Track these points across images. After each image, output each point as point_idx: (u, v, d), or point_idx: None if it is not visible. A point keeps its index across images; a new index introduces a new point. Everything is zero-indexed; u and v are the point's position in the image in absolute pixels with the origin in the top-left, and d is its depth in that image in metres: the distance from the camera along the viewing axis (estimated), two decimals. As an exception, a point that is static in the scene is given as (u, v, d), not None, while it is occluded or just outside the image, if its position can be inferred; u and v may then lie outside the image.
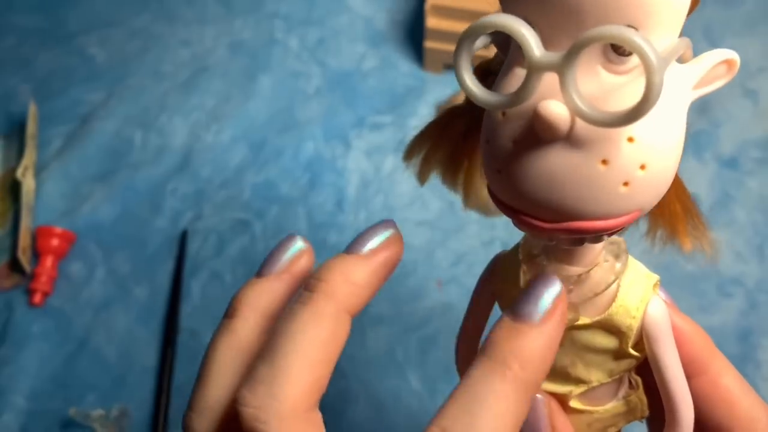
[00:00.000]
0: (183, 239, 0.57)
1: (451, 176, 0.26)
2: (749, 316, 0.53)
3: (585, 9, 0.17)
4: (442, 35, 0.61)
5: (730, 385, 0.26)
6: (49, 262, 0.55)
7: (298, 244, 0.26)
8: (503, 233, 0.56)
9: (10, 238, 0.57)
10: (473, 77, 0.18)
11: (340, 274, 0.24)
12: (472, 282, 0.52)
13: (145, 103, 0.64)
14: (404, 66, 0.65)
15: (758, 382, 0.50)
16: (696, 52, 0.67)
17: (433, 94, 0.63)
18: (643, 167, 0.18)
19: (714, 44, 0.65)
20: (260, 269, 0.26)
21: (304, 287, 0.24)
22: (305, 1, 0.69)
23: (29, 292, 0.54)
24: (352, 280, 0.24)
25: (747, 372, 0.50)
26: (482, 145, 0.20)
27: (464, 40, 0.18)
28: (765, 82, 0.63)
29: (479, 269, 0.57)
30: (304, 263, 0.26)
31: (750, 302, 0.53)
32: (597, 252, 0.22)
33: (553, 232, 0.19)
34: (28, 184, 0.57)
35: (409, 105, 0.63)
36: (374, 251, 0.24)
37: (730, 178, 0.58)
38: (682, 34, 0.18)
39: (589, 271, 0.22)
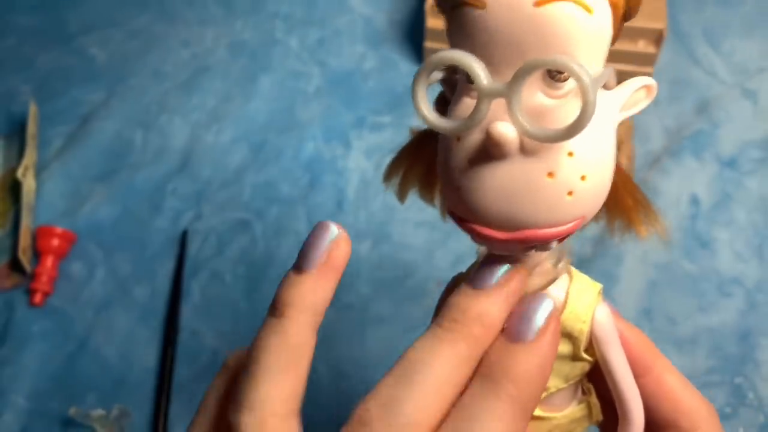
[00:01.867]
0: (183, 239, 0.57)
1: (428, 193, 0.28)
2: (748, 316, 0.53)
3: (524, 42, 0.19)
4: (442, 35, 0.61)
5: (672, 382, 0.27)
6: (49, 262, 0.55)
7: (334, 232, 0.25)
8: (503, 233, 0.57)
9: (11, 238, 0.57)
10: (429, 107, 0.20)
11: (477, 317, 0.23)
12: (472, 282, 0.52)
13: (146, 103, 0.64)
14: (404, 66, 0.65)
15: (757, 381, 0.50)
16: (696, 53, 0.67)
17: (433, 94, 0.63)
18: (583, 178, 0.20)
19: (714, 45, 0.65)
20: (299, 262, 0.25)
21: (439, 324, 0.23)
22: (305, 1, 0.69)
23: (30, 292, 0.54)
24: (488, 323, 0.23)
25: (746, 372, 0.50)
26: (440, 167, 0.22)
27: (420, 74, 0.20)
28: (764, 83, 0.63)
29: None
30: (343, 252, 0.26)
31: (749, 302, 0.53)
32: (543, 260, 0.24)
33: (509, 242, 0.21)
34: (28, 184, 0.57)
35: (409, 105, 0.62)
36: (502, 283, 0.23)
37: (730, 179, 0.58)
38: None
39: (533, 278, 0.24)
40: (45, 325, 0.54)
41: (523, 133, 0.19)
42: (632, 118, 0.60)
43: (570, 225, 0.21)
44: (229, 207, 0.59)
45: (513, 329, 0.22)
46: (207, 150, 0.61)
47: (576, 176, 0.20)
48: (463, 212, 0.21)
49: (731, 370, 0.51)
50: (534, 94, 0.20)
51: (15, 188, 0.58)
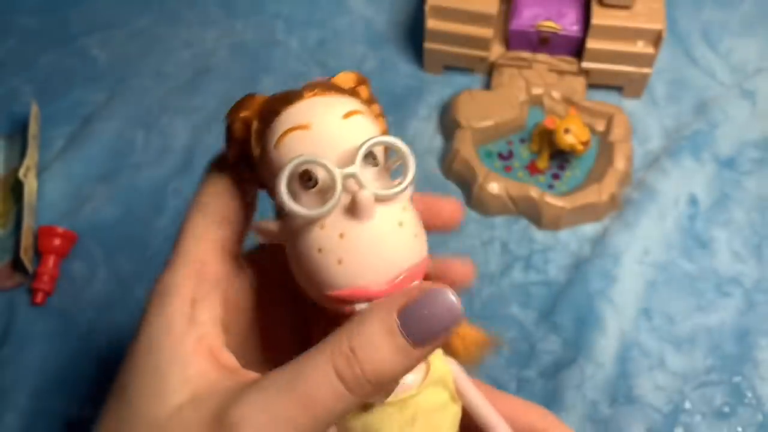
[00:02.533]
0: (184, 239, 0.57)
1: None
2: (747, 315, 0.53)
3: (339, 142, 0.25)
4: (442, 36, 0.61)
5: (511, 398, 0.32)
6: (51, 261, 0.55)
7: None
8: (503, 233, 0.57)
9: (13, 238, 0.57)
10: (299, 206, 0.25)
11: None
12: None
13: (147, 103, 0.64)
14: (404, 67, 0.65)
15: (756, 381, 0.50)
16: (695, 53, 0.68)
17: (433, 94, 0.63)
18: (417, 224, 0.26)
19: (712, 45, 0.66)
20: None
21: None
22: (306, 2, 0.70)
23: (31, 292, 0.55)
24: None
25: (745, 371, 0.51)
26: (310, 259, 0.25)
27: (282, 179, 0.25)
28: (763, 83, 0.63)
29: (479, 269, 0.58)
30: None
31: (748, 302, 0.53)
32: None
33: (393, 289, 0.25)
34: (30, 184, 0.57)
35: (409, 106, 0.63)
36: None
37: (728, 179, 0.58)
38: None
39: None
40: (47, 325, 0.54)
41: (378, 196, 0.25)
42: (631, 118, 0.60)
43: (424, 259, 0.26)
44: (230, 207, 0.59)
45: (408, 321, 0.24)
46: (208, 150, 0.61)
47: (413, 224, 0.26)
48: (347, 281, 0.25)
49: (730, 369, 0.51)
50: (366, 169, 0.26)
51: (17, 188, 0.58)
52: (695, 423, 0.49)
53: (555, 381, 0.50)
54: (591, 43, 0.60)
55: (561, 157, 0.58)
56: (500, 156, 0.59)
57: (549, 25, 0.61)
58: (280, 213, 0.26)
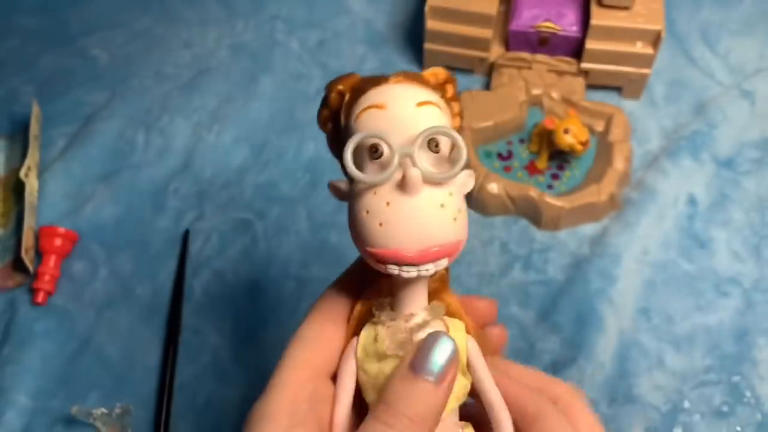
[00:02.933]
0: (185, 239, 0.57)
1: None
2: (746, 315, 0.53)
3: (410, 126, 0.29)
4: (442, 37, 0.62)
5: (518, 371, 0.34)
6: (52, 261, 0.55)
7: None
8: (502, 233, 0.57)
9: (14, 237, 0.57)
10: (359, 171, 0.29)
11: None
12: (471, 281, 0.54)
13: (148, 104, 0.64)
14: (404, 67, 0.65)
15: (754, 380, 0.50)
16: (694, 53, 0.68)
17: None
18: (459, 211, 0.29)
19: (711, 45, 0.66)
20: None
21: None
22: (306, 3, 0.70)
23: (32, 292, 0.55)
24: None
25: (743, 371, 0.51)
26: (359, 218, 0.29)
27: (349, 147, 0.28)
28: (762, 83, 0.63)
29: (479, 269, 0.58)
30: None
31: (747, 302, 0.54)
32: (424, 298, 0.32)
33: (422, 258, 0.29)
34: (31, 184, 0.57)
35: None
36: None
37: (727, 179, 0.59)
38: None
39: (422, 326, 0.31)
40: (48, 324, 0.54)
41: (426, 175, 0.28)
42: (630, 118, 0.60)
43: (459, 243, 0.30)
44: (230, 207, 0.59)
45: (417, 364, 0.28)
46: (208, 150, 0.62)
47: (455, 209, 0.29)
48: (384, 242, 0.29)
49: (728, 369, 0.51)
50: (424, 153, 0.29)
51: (18, 188, 0.58)
52: (694, 422, 0.49)
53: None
54: (590, 44, 0.60)
55: (560, 157, 0.58)
56: (500, 156, 0.59)
57: (548, 25, 0.61)
58: (349, 178, 0.30)
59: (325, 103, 0.31)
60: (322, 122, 0.32)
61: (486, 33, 0.61)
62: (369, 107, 0.29)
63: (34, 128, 0.60)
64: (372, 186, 0.29)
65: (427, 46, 0.62)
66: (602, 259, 0.55)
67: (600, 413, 0.49)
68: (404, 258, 0.29)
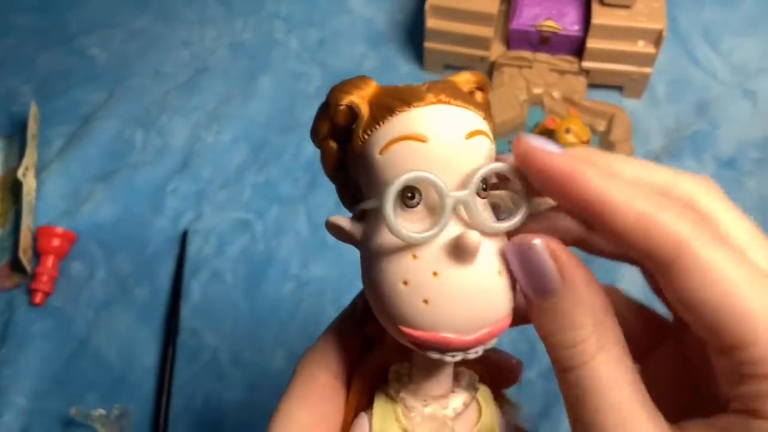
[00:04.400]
0: (183, 239, 0.57)
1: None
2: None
3: (457, 163, 0.23)
4: (442, 36, 0.61)
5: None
6: (50, 262, 0.55)
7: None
8: (503, 233, 0.57)
9: (11, 238, 0.57)
10: (401, 223, 0.22)
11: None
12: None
13: (146, 103, 0.64)
14: (404, 66, 0.65)
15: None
16: (696, 53, 0.67)
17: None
18: (514, 278, 0.23)
19: (713, 45, 0.65)
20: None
21: None
22: (306, 2, 0.69)
23: (30, 292, 0.54)
24: None
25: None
26: (392, 288, 0.22)
27: (390, 194, 0.22)
28: (764, 83, 0.63)
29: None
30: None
31: (749, 302, 0.53)
32: (451, 375, 0.26)
33: (475, 343, 0.22)
34: (29, 184, 0.57)
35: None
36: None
37: (729, 179, 0.58)
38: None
39: (450, 395, 0.26)
40: (45, 325, 0.54)
41: (486, 230, 0.22)
42: (631, 118, 0.60)
43: (509, 318, 0.23)
44: (229, 207, 0.59)
45: (533, 288, 0.22)
46: (207, 150, 0.61)
47: (509, 273, 0.23)
48: (430, 325, 0.22)
49: (731, 369, 0.51)
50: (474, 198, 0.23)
51: (15, 188, 0.58)
52: (696, 424, 0.49)
53: (555, 381, 0.50)
54: (591, 43, 0.60)
55: (561, 156, 0.58)
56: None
57: (549, 24, 0.61)
58: (358, 215, 0.24)
59: (326, 115, 0.25)
60: (319, 138, 0.25)
61: (487, 32, 0.60)
62: (404, 138, 0.22)
63: (32, 128, 0.60)
64: (411, 245, 0.22)
65: (428, 44, 0.62)
66: (603, 260, 0.54)
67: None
68: (455, 345, 0.22)
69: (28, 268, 0.55)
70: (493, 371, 0.28)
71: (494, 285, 0.22)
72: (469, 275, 0.22)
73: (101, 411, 0.49)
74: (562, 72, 0.62)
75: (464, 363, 0.26)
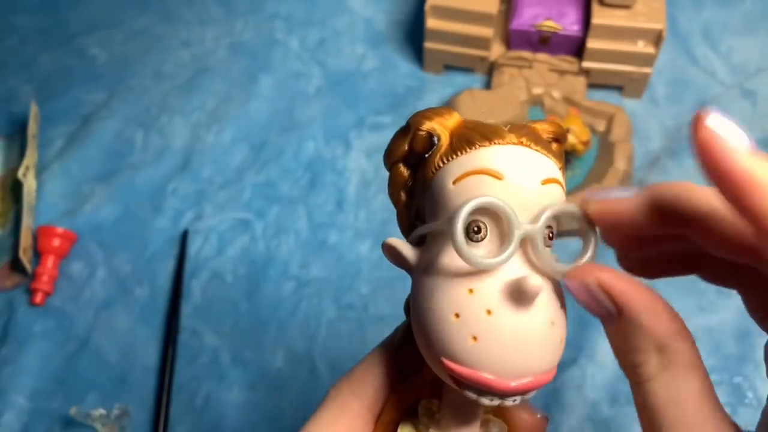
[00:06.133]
0: (184, 239, 0.57)
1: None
2: (748, 316, 0.53)
3: (530, 205, 0.23)
4: (442, 36, 0.61)
5: None
6: (50, 261, 0.55)
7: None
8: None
9: (12, 238, 0.57)
10: (469, 248, 0.22)
11: None
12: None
13: (146, 103, 0.64)
14: (404, 66, 0.65)
15: (757, 381, 0.50)
16: (696, 53, 0.67)
17: (433, 94, 0.63)
18: (564, 327, 0.23)
19: (713, 45, 0.65)
20: None
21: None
22: (306, 2, 0.69)
23: (30, 292, 0.54)
24: None
25: (746, 372, 0.51)
26: (442, 318, 0.22)
27: (460, 217, 0.21)
28: (764, 83, 0.63)
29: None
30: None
31: (749, 302, 0.53)
32: (479, 420, 0.25)
33: (516, 390, 0.22)
34: (29, 184, 0.57)
35: (409, 105, 0.63)
36: None
37: (729, 179, 0.58)
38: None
39: None
40: (46, 325, 0.54)
41: (550, 271, 0.23)
42: (631, 118, 0.60)
43: (553, 372, 0.23)
44: (229, 207, 0.59)
45: (597, 314, 0.23)
46: (207, 150, 0.61)
47: (564, 324, 0.23)
48: (474, 363, 0.22)
49: (730, 369, 0.51)
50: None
51: (16, 188, 0.58)
52: (696, 424, 0.49)
53: (556, 381, 0.50)
54: (591, 43, 0.60)
55: (561, 156, 0.58)
56: (500, 156, 0.59)
57: (549, 24, 0.61)
58: (415, 240, 0.24)
59: (404, 138, 0.24)
60: (392, 160, 0.25)
61: (487, 32, 0.60)
62: (480, 171, 0.22)
63: (32, 128, 0.60)
64: (467, 276, 0.22)
65: (428, 45, 0.62)
66: (603, 260, 0.54)
67: (601, 414, 0.49)
68: (495, 388, 0.22)
69: (29, 268, 0.55)
70: (517, 424, 0.27)
71: (545, 336, 0.22)
72: (523, 320, 0.22)
73: (101, 411, 0.49)
74: (562, 72, 0.62)
75: (494, 411, 0.26)
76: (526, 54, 0.62)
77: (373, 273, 0.55)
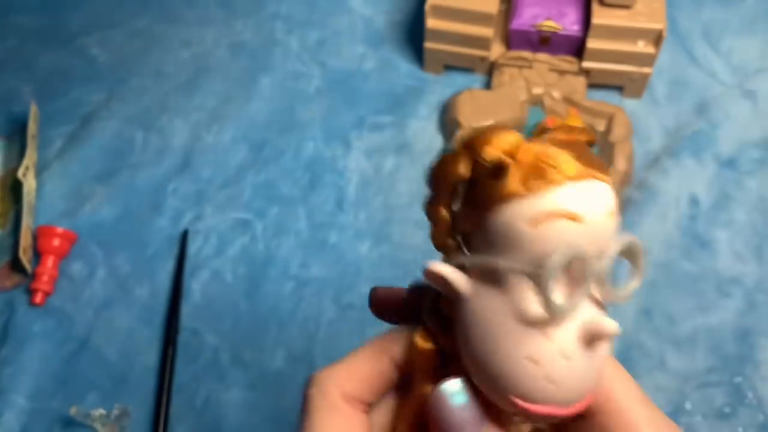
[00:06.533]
0: (184, 239, 0.57)
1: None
2: (748, 316, 0.53)
3: (599, 244, 0.22)
4: (442, 36, 0.61)
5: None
6: (50, 261, 0.55)
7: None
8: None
9: (12, 238, 0.57)
10: (559, 295, 0.22)
11: None
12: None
13: (146, 103, 0.64)
14: (404, 66, 0.65)
15: (757, 381, 0.50)
16: (696, 53, 0.67)
17: (433, 94, 0.63)
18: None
19: (713, 45, 0.65)
20: None
21: None
22: (306, 2, 0.69)
23: (30, 292, 0.54)
24: None
25: (746, 372, 0.51)
26: (516, 361, 0.22)
27: (554, 271, 0.21)
28: (764, 83, 0.63)
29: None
30: None
31: (749, 302, 0.53)
32: None
33: (569, 414, 0.23)
34: (29, 184, 0.57)
35: (409, 105, 0.63)
36: None
37: (729, 179, 0.58)
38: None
39: None
40: (46, 325, 0.54)
41: (611, 300, 0.23)
42: (631, 118, 0.60)
43: (593, 394, 0.24)
44: (229, 207, 0.59)
45: None
46: (207, 150, 0.61)
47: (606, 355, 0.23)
48: (547, 400, 0.22)
49: (730, 369, 0.51)
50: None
51: (16, 188, 0.58)
52: (696, 423, 0.49)
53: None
54: (591, 43, 0.60)
55: (561, 156, 0.58)
56: (500, 156, 0.59)
57: (549, 24, 0.61)
58: (461, 266, 0.23)
59: (463, 158, 0.23)
60: (447, 183, 0.23)
61: (487, 32, 0.60)
62: (561, 216, 0.21)
63: (32, 128, 0.60)
64: (543, 322, 0.22)
65: (428, 45, 0.62)
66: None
67: None
68: (559, 415, 0.23)
69: (28, 268, 0.55)
70: None
71: (602, 365, 0.23)
72: (594, 358, 0.22)
73: (101, 411, 0.49)
74: (562, 72, 0.62)
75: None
76: (526, 54, 0.62)
77: (373, 273, 0.55)
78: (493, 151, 0.22)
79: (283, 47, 0.67)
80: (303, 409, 0.25)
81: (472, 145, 0.22)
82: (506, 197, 0.22)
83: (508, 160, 0.22)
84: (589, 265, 0.21)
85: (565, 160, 0.22)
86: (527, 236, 0.21)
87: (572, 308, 0.22)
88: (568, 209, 0.21)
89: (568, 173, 0.21)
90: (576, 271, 0.22)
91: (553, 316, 0.21)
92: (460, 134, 0.23)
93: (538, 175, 0.21)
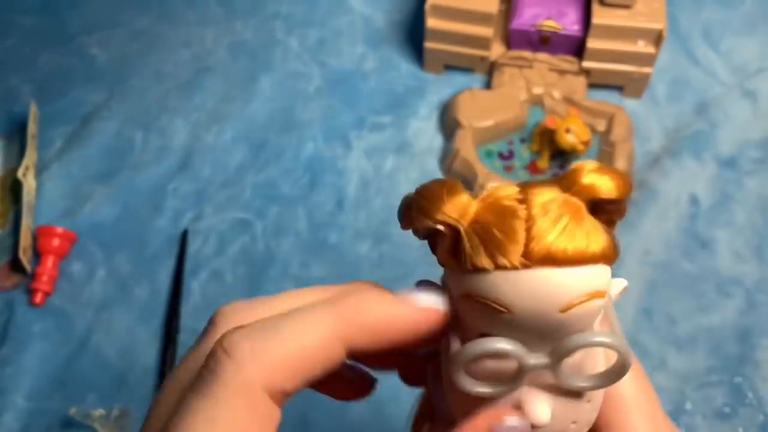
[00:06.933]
0: (183, 239, 0.57)
1: None
2: (748, 316, 0.53)
3: (550, 334, 0.20)
4: (442, 35, 0.61)
5: None
6: (50, 261, 0.55)
7: None
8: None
9: (11, 238, 0.57)
10: (473, 381, 0.21)
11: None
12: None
13: (146, 103, 0.64)
14: (404, 66, 0.65)
15: (757, 382, 0.50)
16: (696, 53, 0.67)
17: (433, 94, 0.63)
18: (590, 420, 0.22)
19: (713, 45, 0.65)
20: None
21: None
22: (306, 2, 0.69)
23: (30, 292, 0.54)
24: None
25: (746, 372, 0.51)
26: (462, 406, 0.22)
27: (460, 361, 0.20)
28: (764, 83, 0.63)
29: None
30: None
31: (749, 302, 0.53)
32: None
33: None
34: (29, 184, 0.57)
35: (409, 105, 0.63)
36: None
37: (729, 179, 0.58)
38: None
39: None
40: (45, 325, 0.54)
41: (570, 387, 0.21)
42: (631, 118, 0.60)
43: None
44: (229, 207, 0.59)
45: None
46: (207, 150, 0.61)
47: (590, 419, 0.22)
48: None
49: (731, 369, 0.51)
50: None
51: (15, 188, 0.58)
52: (696, 424, 0.49)
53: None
54: (592, 43, 0.60)
55: (561, 157, 0.58)
56: (500, 156, 0.59)
57: (549, 24, 0.61)
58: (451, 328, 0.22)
59: (413, 215, 0.21)
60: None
61: (487, 32, 0.60)
62: (488, 302, 0.19)
63: (31, 128, 0.60)
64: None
65: (428, 44, 0.62)
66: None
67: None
68: None
69: (28, 268, 0.55)
70: None
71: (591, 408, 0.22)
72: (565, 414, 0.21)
73: (101, 411, 0.49)
74: (562, 72, 0.62)
75: None
76: (526, 54, 0.62)
77: (373, 273, 0.55)
78: (428, 221, 0.20)
79: (283, 47, 0.67)
80: (206, 377, 0.19)
81: (416, 207, 0.20)
82: (441, 262, 0.21)
83: (450, 218, 0.20)
84: (521, 358, 0.20)
85: (508, 242, 0.19)
86: (461, 306, 0.20)
87: (493, 393, 0.21)
88: (492, 294, 0.19)
89: (502, 259, 0.19)
90: (503, 362, 0.20)
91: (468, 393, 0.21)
92: (409, 194, 0.21)
93: (486, 252, 0.19)
